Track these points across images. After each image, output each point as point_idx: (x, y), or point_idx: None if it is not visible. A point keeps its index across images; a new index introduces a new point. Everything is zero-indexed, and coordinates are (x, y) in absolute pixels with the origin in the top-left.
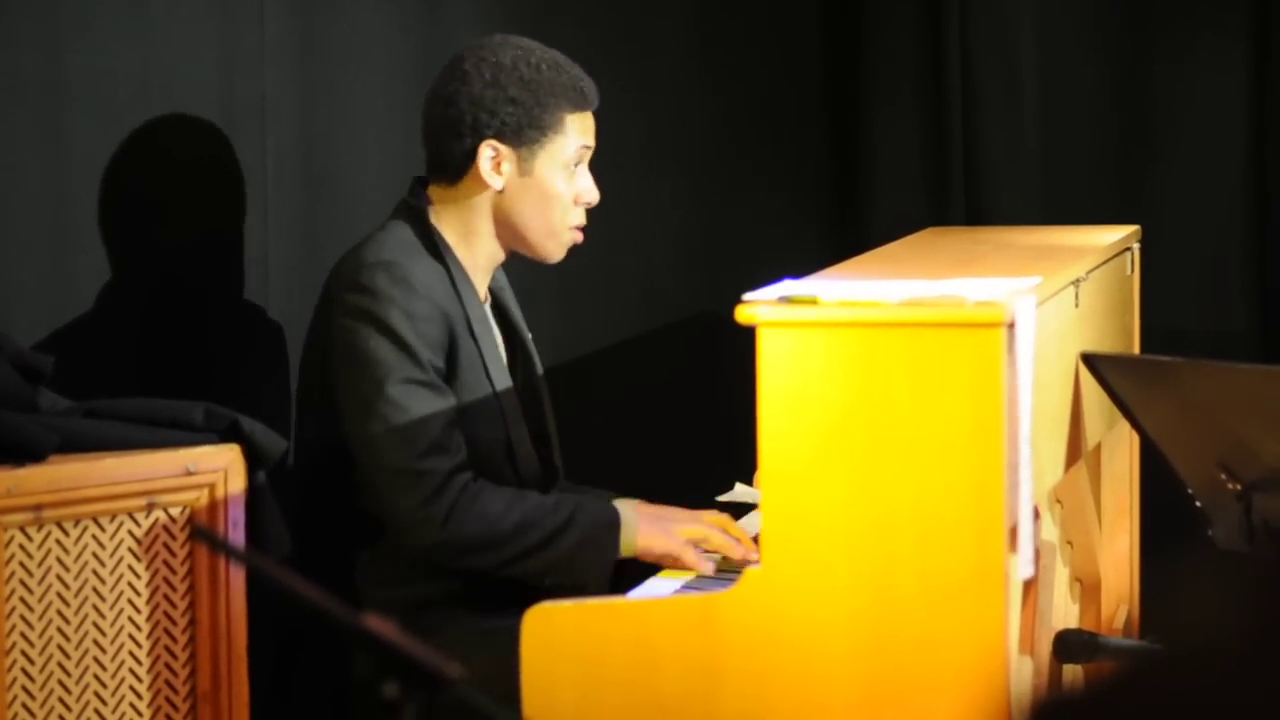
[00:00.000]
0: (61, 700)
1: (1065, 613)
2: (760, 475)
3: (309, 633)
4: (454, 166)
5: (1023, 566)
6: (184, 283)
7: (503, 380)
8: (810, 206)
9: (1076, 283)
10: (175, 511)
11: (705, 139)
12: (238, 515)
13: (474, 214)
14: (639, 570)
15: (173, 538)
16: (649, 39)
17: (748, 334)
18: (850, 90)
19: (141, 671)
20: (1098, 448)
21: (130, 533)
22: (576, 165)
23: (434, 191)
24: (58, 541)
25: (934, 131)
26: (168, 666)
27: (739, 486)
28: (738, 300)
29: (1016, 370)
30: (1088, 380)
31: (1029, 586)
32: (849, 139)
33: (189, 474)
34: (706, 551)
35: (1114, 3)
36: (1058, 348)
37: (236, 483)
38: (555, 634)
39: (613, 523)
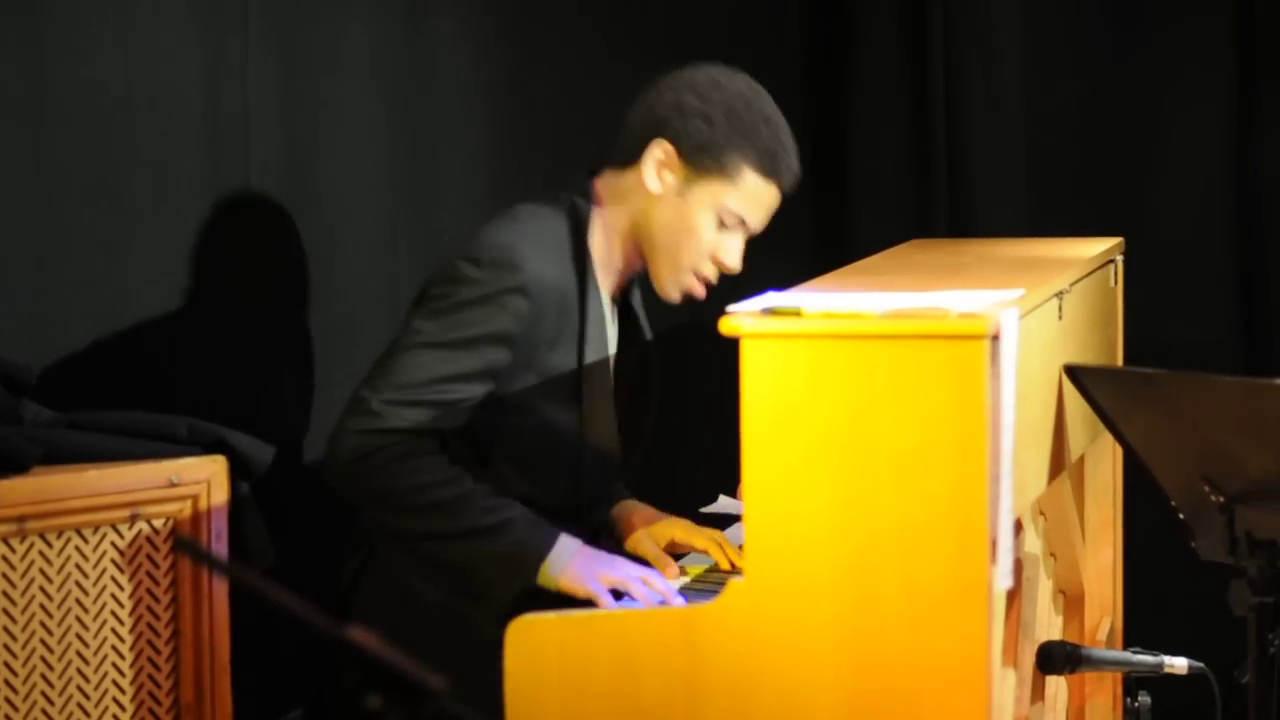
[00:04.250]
0: (45, 712)
1: (1048, 624)
2: (743, 487)
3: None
4: (628, 150)
5: (1002, 577)
6: (167, 293)
7: (599, 387)
8: (794, 218)
9: (1060, 295)
10: (158, 523)
11: None
12: (221, 527)
13: (624, 210)
14: None
15: (156, 549)
16: (631, 50)
17: (731, 345)
18: (833, 102)
19: (125, 683)
20: (1081, 460)
21: (113, 544)
22: (725, 226)
23: (601, 180)
24: (41, 553)
25: (918, 143)
26: (151, 678)
27: (722, 498)
28: (721, 312)
29: (1000, 382)
30: (1071, 392)
31: (1012, 598)
32: (832, 151)
33: (172, 485)
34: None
35: (1097, 16)
36: (1041, 360)
37: (220, 494)
38: (538, 645)
39: (539, 553)
